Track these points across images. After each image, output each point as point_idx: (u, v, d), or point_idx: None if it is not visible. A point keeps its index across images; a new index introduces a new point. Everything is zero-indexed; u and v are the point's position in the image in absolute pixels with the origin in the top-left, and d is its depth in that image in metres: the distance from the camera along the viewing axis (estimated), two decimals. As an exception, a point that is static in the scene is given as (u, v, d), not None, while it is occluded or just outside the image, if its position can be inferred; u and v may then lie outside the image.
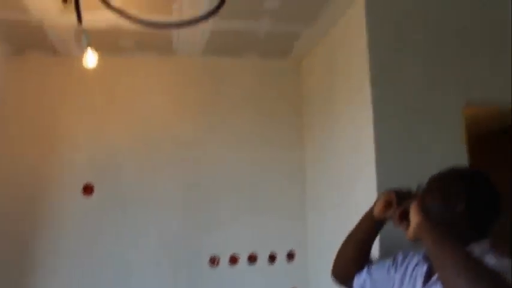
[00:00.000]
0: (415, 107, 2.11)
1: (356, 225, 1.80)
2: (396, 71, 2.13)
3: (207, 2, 2.21)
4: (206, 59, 2.97)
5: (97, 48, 2.23)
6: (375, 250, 1.89)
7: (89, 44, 2.07)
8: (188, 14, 2.31)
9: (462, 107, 2.15)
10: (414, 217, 1.45)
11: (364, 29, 2.15)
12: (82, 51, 2.52)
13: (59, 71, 2.84)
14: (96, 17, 2.29)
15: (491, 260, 1.31)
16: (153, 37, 2.64)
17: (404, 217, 1.55)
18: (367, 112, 2.11)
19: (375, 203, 1.73)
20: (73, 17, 2.26)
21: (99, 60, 2.23)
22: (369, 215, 1.75)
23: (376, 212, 1.70)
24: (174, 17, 2.36)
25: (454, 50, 2.21)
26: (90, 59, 2.08)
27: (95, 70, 2.30)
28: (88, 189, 2.76)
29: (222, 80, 3.00)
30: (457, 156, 2.08)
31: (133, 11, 2.17)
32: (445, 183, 1.53)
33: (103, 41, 2.58)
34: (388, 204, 1.66)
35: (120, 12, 2.07)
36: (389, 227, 1.70)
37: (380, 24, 2.15)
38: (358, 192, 2.19)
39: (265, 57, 3.01)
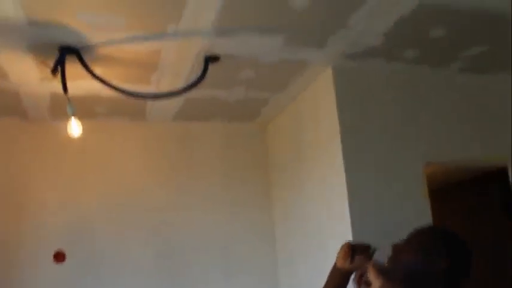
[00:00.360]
0: (383, 166, 2.30)
1: (326, 281, 1.85)
2: (364, 133, 2.33)
3: (185, 74, 2.31)
4: (177, 124, 3.06)
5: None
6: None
7: (74, 113, 2.12)
8: (166, 84, 2.41)
9: (423, 165, 2.36)
10: (375, 281, 1.51)
11: (333, 94, 2.34)
12: (56, 117, 2.55)
13: (31, 136, 2.84)
14: (77, 85, 2.35)
15: None
16: (128, 104, 2.69)
17: (362, 278, 1.63)
18: (338, 171, 2.26)
19: (337, 255, 1.81)
20: (50, 85, 2.32)
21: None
22: (334, 268, 1.82)
23: (338, 263, 1.78)
24: (152, 87, 2.45)
25: (416, 114, 2.44)
26: (75, 128, 2.12)
27: (67, 135, 2.29)
28: (60, 256, 2.71)
29: (192, 143, 3.08)
30: (422, 209, 2.27)
31: (113, 81, 2.27)
32: (427, 241, 1.61)
33: (79, 107, 2.61)
34: (347, 255, 1.75)
35: (103, 81, 2.16)
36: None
37: (348, 91, 2.36)
38: (331, 246, 2.29)
39: (234, 121, 3.12)
